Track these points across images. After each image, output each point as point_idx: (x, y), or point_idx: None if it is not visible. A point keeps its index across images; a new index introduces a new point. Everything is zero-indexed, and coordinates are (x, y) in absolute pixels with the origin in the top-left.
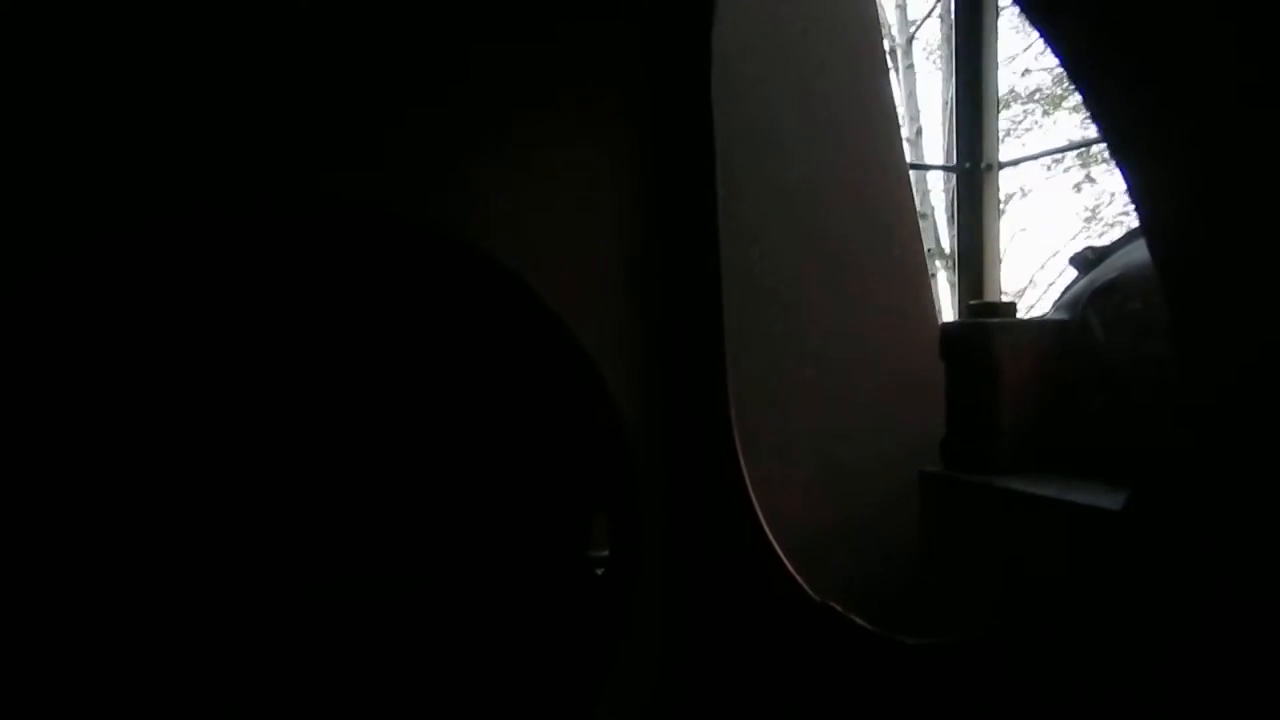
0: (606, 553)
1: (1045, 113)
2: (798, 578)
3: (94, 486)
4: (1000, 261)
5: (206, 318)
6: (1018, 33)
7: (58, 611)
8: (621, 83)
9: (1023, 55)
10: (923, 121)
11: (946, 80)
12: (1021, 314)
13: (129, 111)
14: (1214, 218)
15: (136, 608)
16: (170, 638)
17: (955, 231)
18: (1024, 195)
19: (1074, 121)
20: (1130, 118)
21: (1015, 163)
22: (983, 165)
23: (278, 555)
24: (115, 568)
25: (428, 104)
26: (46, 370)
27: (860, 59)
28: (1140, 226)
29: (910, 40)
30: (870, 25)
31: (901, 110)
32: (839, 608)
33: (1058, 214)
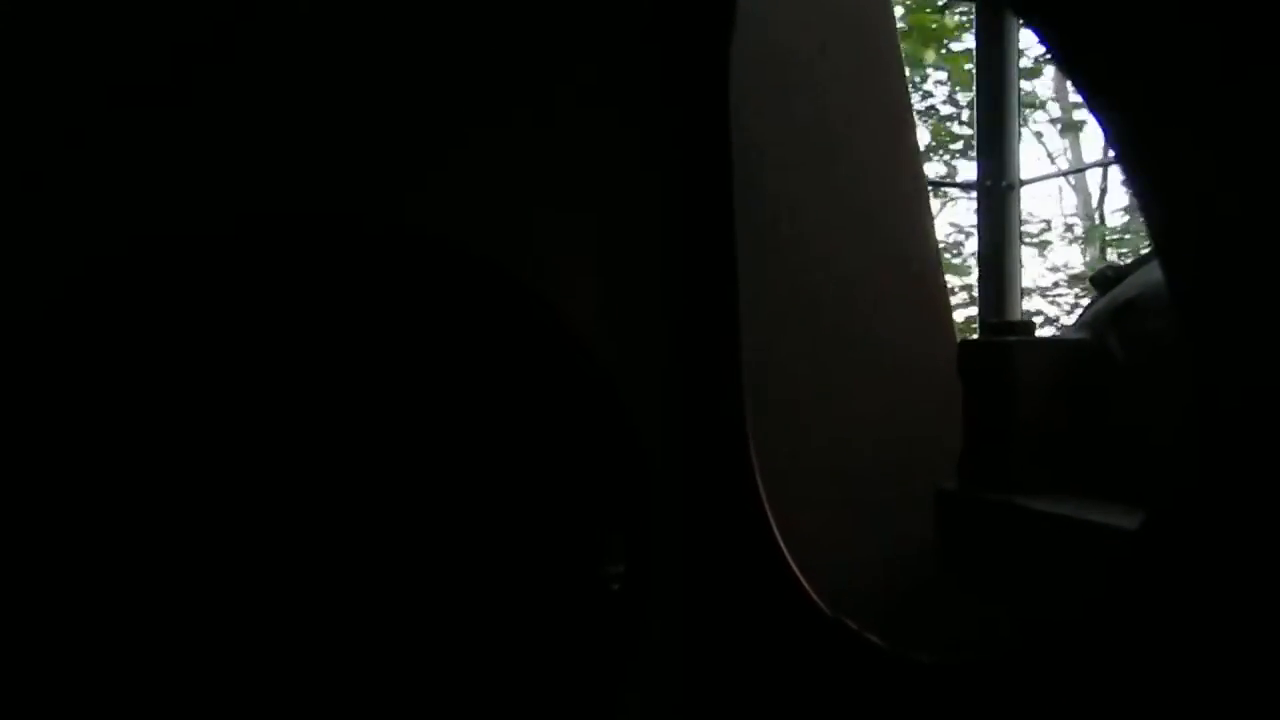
0: (622, 568)
1: None
2: (812, 593)
3: (131, 488)
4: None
5: (236, 329)
6: None
7: (91, 613)
8: (644, 106)
9: None
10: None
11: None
12: None
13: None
14: (1217, 229)
15: (175, 610)
16: (194, 645)
17: (976, 250)
18: None
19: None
20: (1125, 122)
21: (1036, 181)
22: (1004, 184)
23: (291, 569)
24: (147, 572)
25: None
26: (90, 372)
27: (878, 73)
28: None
29: None
30: (889, 38)
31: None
32: (853, 624)
33: None
